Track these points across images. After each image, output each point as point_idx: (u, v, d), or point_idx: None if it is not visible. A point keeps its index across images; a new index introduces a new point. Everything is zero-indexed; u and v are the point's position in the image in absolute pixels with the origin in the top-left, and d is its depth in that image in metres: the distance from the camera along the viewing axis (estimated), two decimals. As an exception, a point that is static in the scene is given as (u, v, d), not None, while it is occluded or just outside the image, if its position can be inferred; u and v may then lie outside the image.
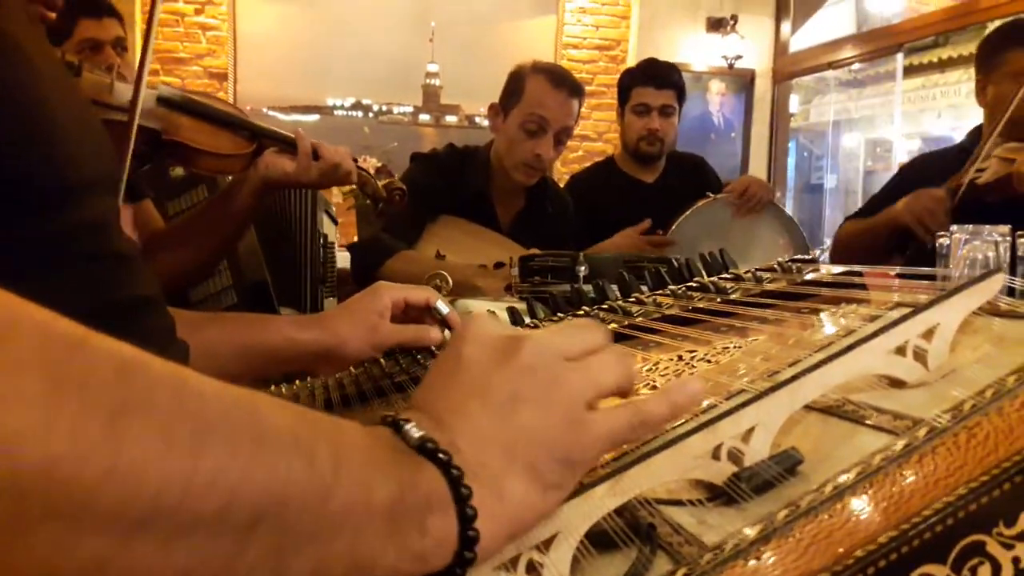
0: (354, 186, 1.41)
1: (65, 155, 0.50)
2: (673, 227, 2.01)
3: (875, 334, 0.41)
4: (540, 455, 0.34)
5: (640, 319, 0.74)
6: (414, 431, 0.33)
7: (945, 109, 6.33)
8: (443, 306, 0.81)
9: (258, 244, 1.60)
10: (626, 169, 2.31)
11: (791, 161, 5.94)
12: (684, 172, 2.32)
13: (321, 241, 1.74)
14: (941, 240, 1.15)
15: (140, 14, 3.51)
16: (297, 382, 0.84)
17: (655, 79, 2.20)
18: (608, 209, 2.16)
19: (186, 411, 0.25)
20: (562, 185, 2.29)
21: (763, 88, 4.97)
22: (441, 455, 0.32)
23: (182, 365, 0.28)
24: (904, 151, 5.53)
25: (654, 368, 0.60)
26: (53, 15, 0.57)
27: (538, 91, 1.74)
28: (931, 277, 0.62)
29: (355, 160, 1.38)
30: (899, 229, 1.81)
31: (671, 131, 2.23)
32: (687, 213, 2.03)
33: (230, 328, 0.77)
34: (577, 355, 0.38)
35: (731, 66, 4.79)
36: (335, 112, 4.07)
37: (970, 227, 1.01)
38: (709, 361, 0.57)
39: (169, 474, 0.23)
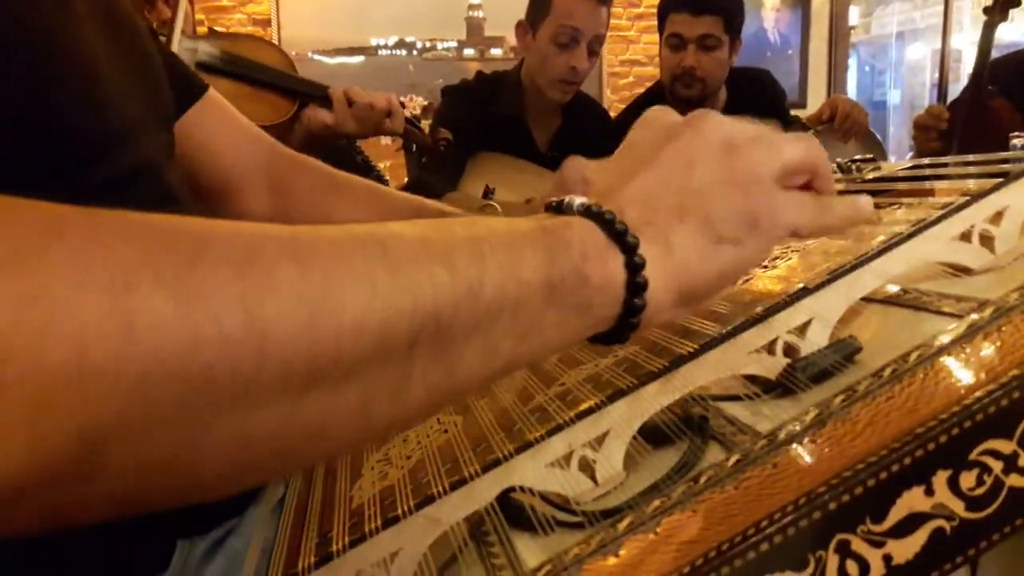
0: (400, 138, 1.41)
1: (106, 97, 0.49)
2: None
3: (936, 220, 0.39)
4: (716, 208, 0.33)
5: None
6: (577, 200, 0.33)
7: (1019, 13, 5.91)
8: None
9: None
10: (678, 108, 1.98)
11: (852, 77, 5.67)
12: (749, 103, 1.88)
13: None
14: (1015, 141, 1.10)
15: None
16: None
17: (691, 2, 1.76)
18: None
19: (310, 268, 0.24)
20: (612, 114, 2.20)
21: (820, 0, 4.73)
22: (605, 214, 0.32)
23: None
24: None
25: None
26: None
27: (566, 1, 1.69)
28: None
29: (401, 103, 1.37)
30: None
31: (714, 68, 1.79)
32: None
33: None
34: (756, 136, 0.35)
35: (786, -21, 4.57)
36: (379, 52, 4.02)
37: (1044, 124, 0.95)
38: (764, 267, 0.55)
39: (317, 335, 0.23)
